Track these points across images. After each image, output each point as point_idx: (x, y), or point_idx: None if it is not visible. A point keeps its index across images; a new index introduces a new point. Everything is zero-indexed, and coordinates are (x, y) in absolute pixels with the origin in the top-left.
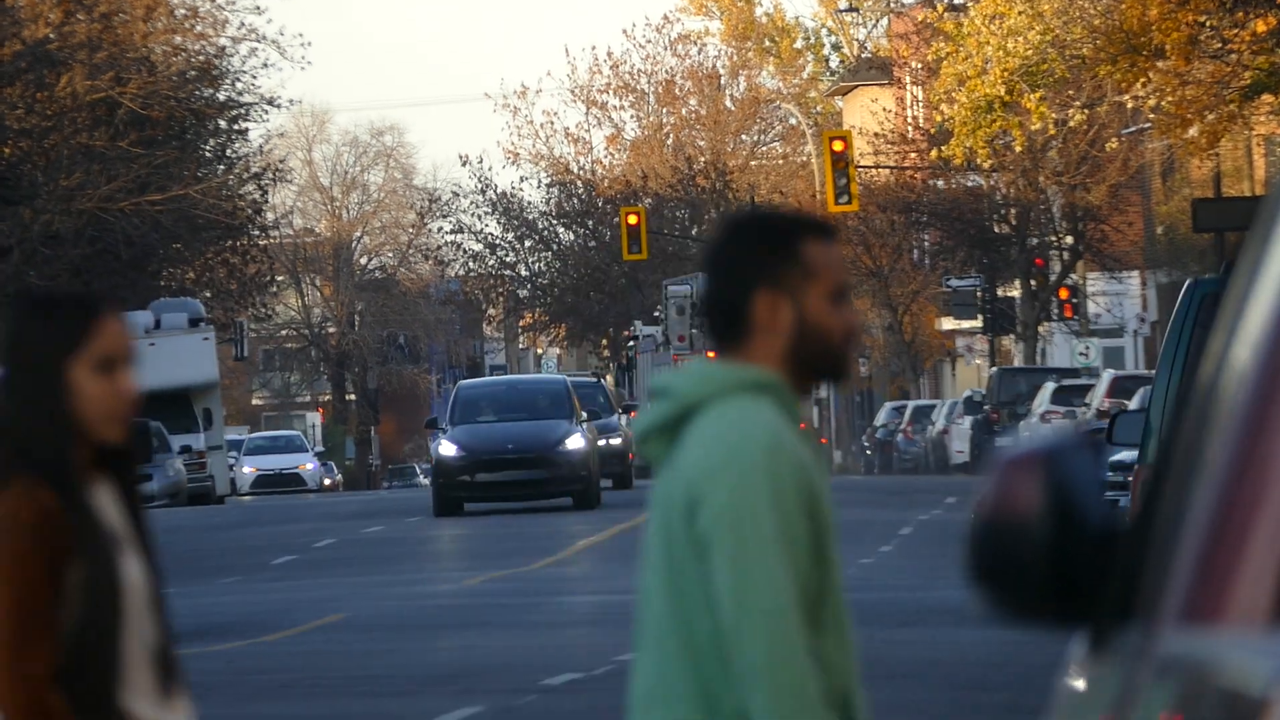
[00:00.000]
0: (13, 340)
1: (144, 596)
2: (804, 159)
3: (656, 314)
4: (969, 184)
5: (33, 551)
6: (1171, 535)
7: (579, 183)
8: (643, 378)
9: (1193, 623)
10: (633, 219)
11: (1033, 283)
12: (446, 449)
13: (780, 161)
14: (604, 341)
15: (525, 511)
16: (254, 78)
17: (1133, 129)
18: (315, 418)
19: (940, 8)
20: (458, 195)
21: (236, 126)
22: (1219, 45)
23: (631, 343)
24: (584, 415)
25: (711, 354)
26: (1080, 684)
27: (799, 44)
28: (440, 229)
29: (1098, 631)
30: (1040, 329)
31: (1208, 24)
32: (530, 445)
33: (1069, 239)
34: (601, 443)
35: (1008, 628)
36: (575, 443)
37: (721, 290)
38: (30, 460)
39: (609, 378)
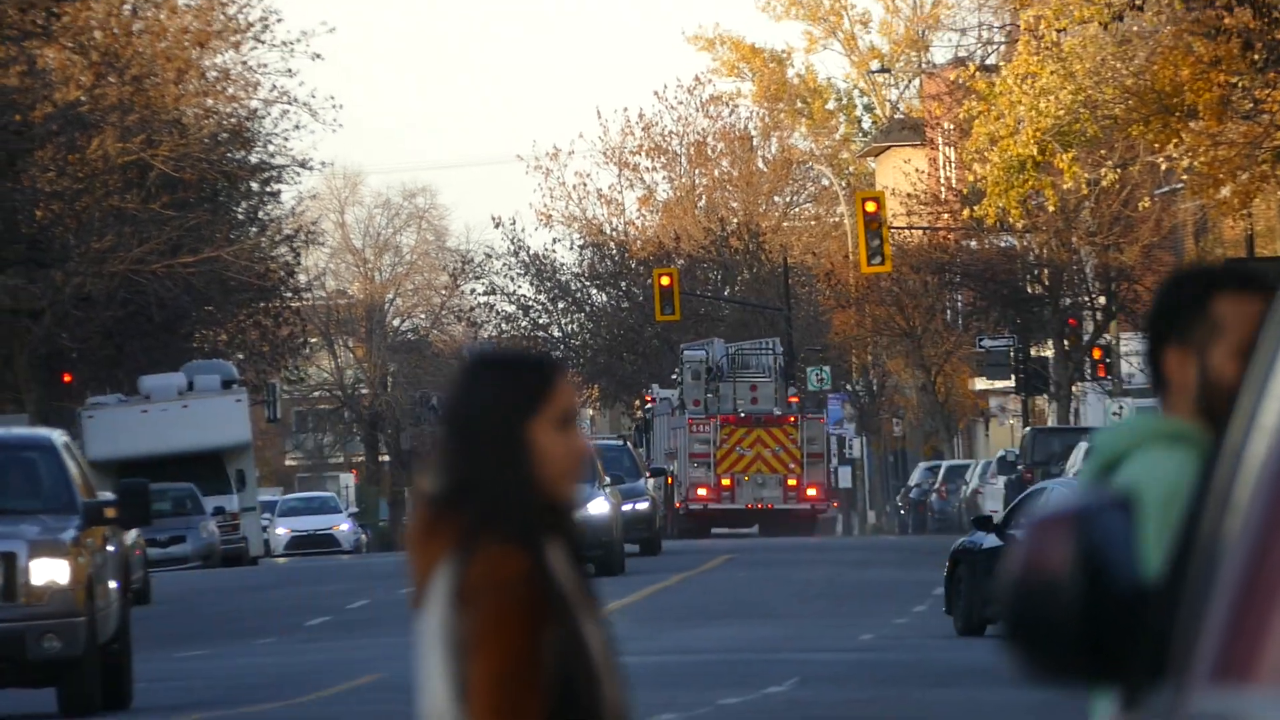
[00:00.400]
0: (474, 402)
1: (605, 659)
2: (837, 220)
3: (674, 376)
4: (1002, 244)
5: (515, 616)
6: (1202, 594)
7: (611, 244)
8: (659, 441)
9: (1224, 682)
10: (665, 280)
11: (1066, 343)
12: None
13: (813, 222)
14: (637, 403)
15: None
16: (286, 140)
17: (1165, 189)
18: (349, 479)
19: (972, 68)
20: (490, 257)
21: (269, 189)
22: (1251, 106)
23: (649, 405)
24: (606, 479)
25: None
26: None
27: (831, 105)
28: (473, 291)
29: (1129, 691)
30: (1074, 389)
31: (1239, 85)
32: None
33: (1102, 299)
34: (628, 507)
35: (1039, 687)
36: (597, 507)
37: (1147, 345)
38: (500, 522)
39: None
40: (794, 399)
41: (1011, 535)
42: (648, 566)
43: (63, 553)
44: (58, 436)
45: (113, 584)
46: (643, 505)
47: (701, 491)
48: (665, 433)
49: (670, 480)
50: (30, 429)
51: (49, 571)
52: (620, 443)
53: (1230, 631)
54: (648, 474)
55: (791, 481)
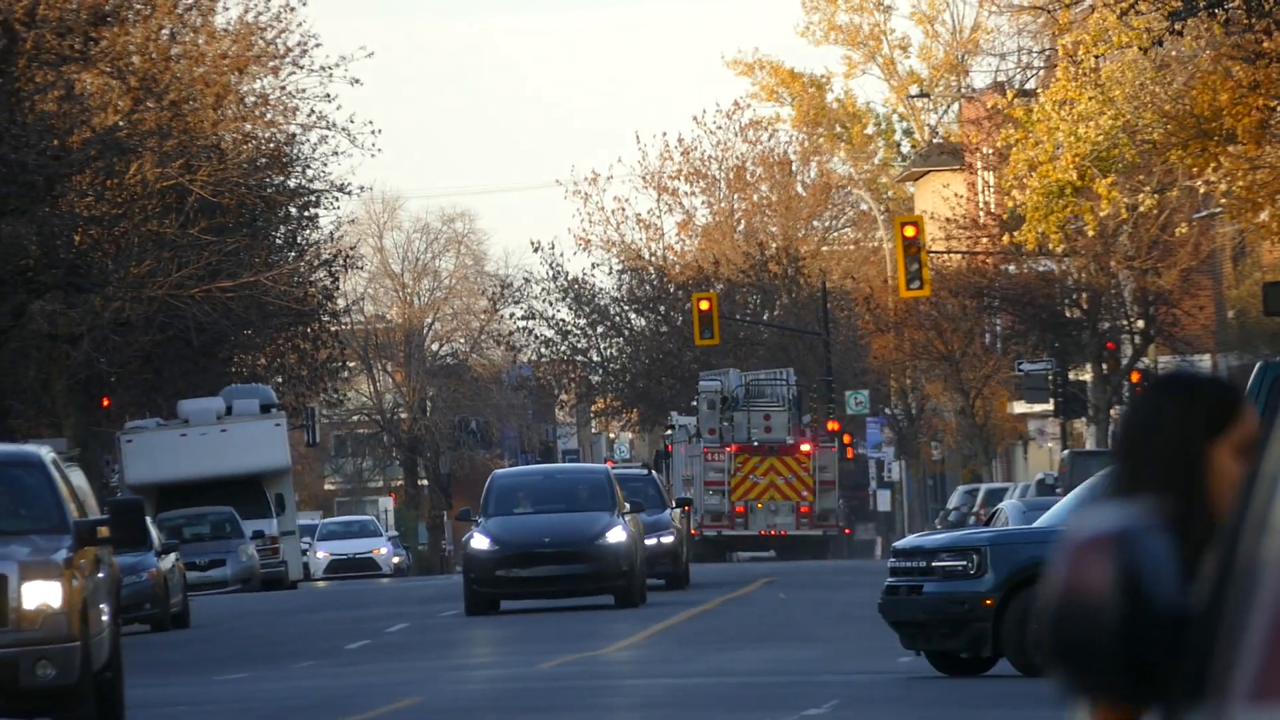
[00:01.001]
0: (1153, 421)
1: None
2: (876, 244)
3: (694, 404)
4: (1040, 269)
5: None
6: (1241, 614)
7: (650, 268)
8: (677, 468)
9: (1263, 702)
10: (704, 305)
11: (1104, 366)
12: (479, 542)
13: (852, 247)
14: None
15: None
16: (324, 165)
17: (1204, 213)
18: (388, 503)
19: (1010, 94)
20: (529, 281)
21: (307, 213)
22: None
23: (669, 432)
24: (626, 507)
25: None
26: None
27: (870, 130)
28: (512, 315)
29: (1170, 711)
30: (1112, 412)
31: (1278, 108)
32: (568, 538)
33: (1140, 323)
34: (652, 540)
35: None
36: (616, 536)
37: None
38: None
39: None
40: (835, 423)
41: None
42: (670, 600)
43: (55, 574)
44: (46, 453)
45: (104, 607)
46: (668, 538)
47: (716, 518)
48: (684, 461)
49: (687, 508)
50: (16, 445)
51: (41, 595)
52: (645, 472)
53: (1269, 651)
54: (673, 504)
55: (804, 509)
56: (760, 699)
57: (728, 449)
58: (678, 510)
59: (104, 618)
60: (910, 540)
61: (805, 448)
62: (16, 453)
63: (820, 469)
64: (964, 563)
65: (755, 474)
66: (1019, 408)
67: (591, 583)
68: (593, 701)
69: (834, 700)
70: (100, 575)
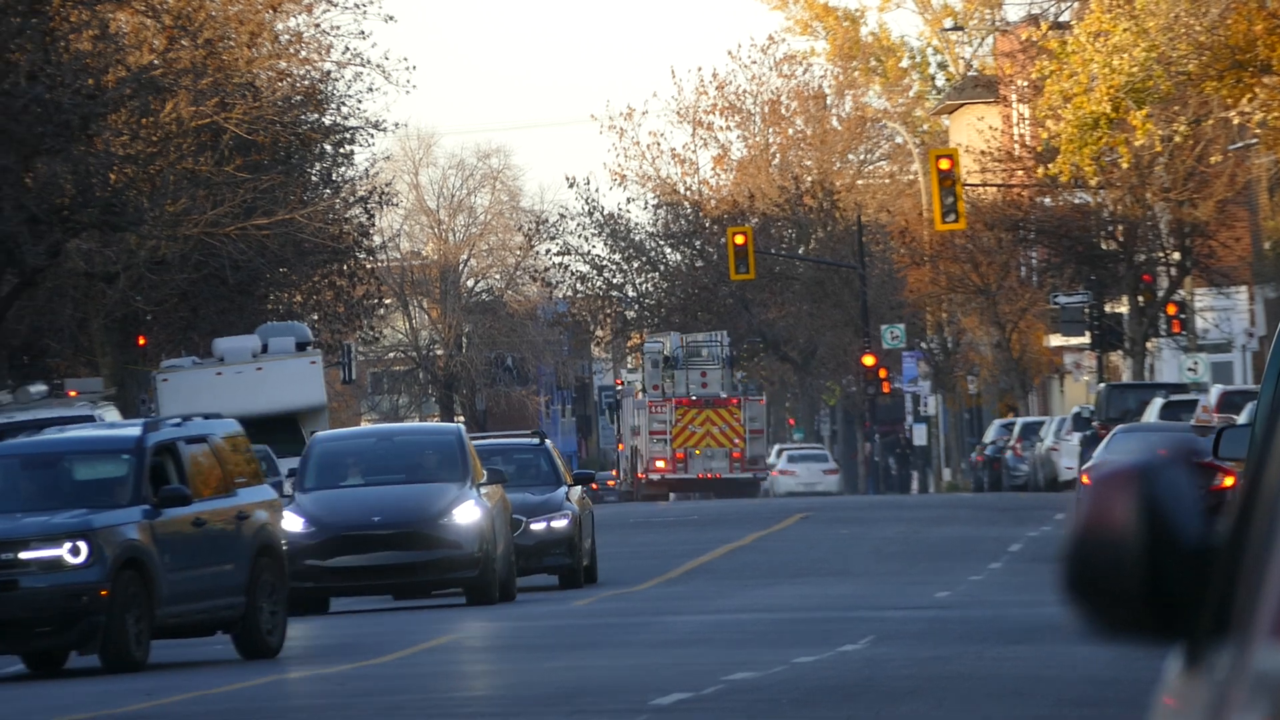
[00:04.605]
0: None
1: None
2: (911, 178)
3: (636, 363)
4: (1076, 201)
5: None
6: (1264, 550)
7: (686, 203)
8: (625, 420)
9: None
10: (739, 239)
11: (1140, 299)
12: (289, 523)
13: (887, 180)
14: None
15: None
16: (359, 102)
17: (1239, 144)
18: None
19: (1044, 26)
20: (564, 217)
21: (342, 150)
22: None
23: (618, 388)
24: (484, 476)
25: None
26: (1176, 700)
27: (905, 63)
28: (547, 251)
29: (1192, 648)
30: (1148, 345)
31: None
32: (403, 516)
33: (1176, 255)
34: (540, 525)
35: (1103, 644)
36: (467, 513)
37: None
38: None
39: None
40: (871, 357)
41: None
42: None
43: None
44: None
45: None
46: (560, 522)
47: (660, 464)
48: (631, 415)
49: (594, 485)
50: None
51: None
52: (537, 442)
53: None
54: (570, 482)
55: (736, 454)
56: (797, 634)
57: (669, 402)
58: (577, 488)
59: None
60: None
61: (736, 401)
62: None
63: (750, 420)
64: (68, 551)
65: (693, 424)
66: (1055, 341)
67: (432, 572)
68: (630, 638)
69: (870, 636)
70: None
